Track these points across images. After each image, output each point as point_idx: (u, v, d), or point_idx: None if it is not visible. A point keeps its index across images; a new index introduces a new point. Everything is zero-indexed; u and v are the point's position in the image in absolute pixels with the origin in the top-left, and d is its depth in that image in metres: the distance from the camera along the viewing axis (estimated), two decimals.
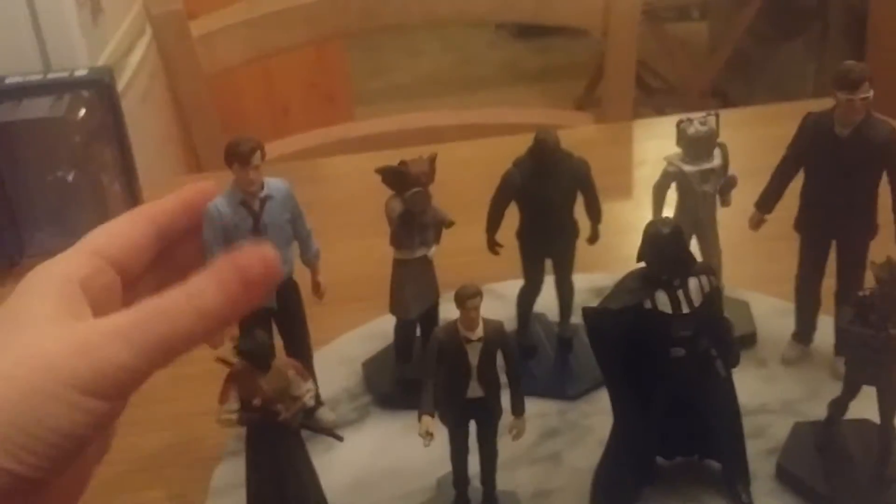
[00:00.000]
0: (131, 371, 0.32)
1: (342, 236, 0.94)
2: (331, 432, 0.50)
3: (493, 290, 0.74)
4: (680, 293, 0.47)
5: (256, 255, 0.32)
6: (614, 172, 1.07)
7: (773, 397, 0.60)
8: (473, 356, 0.48)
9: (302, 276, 0.59)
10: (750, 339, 0.65)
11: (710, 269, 0.49)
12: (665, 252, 0.47)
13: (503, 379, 0.50)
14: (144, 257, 0.41)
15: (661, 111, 2.82)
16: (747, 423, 0.57)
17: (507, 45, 3.60)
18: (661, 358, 0.48)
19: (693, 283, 0.48)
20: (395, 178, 0.58)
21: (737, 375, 0.62)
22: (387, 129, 1.24)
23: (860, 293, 0.49)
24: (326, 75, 2.18)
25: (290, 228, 0.55)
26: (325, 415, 0.60)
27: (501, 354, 0.49)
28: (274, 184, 0.54)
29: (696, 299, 0.47)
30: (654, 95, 2.99)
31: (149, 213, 0.42)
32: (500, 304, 0.70)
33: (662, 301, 0.47)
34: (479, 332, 0.47)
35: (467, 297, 0.46)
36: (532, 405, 0.62)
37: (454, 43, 3.60)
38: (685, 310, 0.47)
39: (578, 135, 1.21)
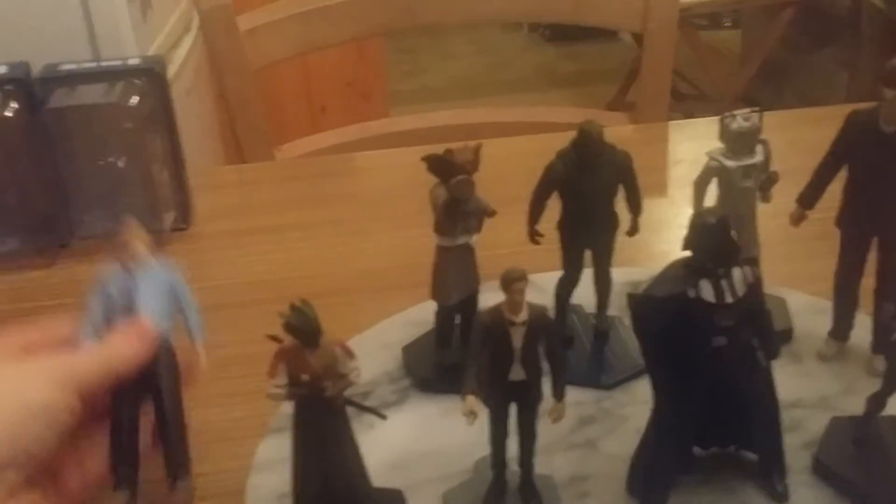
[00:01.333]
0: None
1: (380, 228, 0.96)
2: (374, 410, 0.51)
3: (532, 282, 0.75)
4: (724, 283, 0.48)
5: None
6: (650, 171, 1.07)
7: (809, 392, 0.61)
8: (517, 339, 0.49)
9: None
10: (786, 335, 0.66)
11: (755, 260, 0.50)
12: (711, 241, 0.47)
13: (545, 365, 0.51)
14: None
15: (691, 118, 2.82)
16: (784, 418, 0.58)
17: (539, 49, 3.61)
18: (703, 347, 0.48)
19: (737, 273, 0.48)
20: (441, 166, 0.59)
21: (773, 370, 0.63)
22: (423, 126, 1.26)
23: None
24: (363, 75, 2.20)
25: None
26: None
27: (544, 339, 0.50)
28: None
29: (740, 290, 0.48)
30: (684, 101, 2.98)
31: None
32: (539, 295, 0.70)
33: (706, 290, 0.48)
34: (524, 315, 0.48)
35: (513, 280, 0.47)
36: (569, 393, 0.62)
37: (487, 46, 3.62)
38: (728, 300, 0.48)
39: (614, 134, 1.21)
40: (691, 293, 0.48)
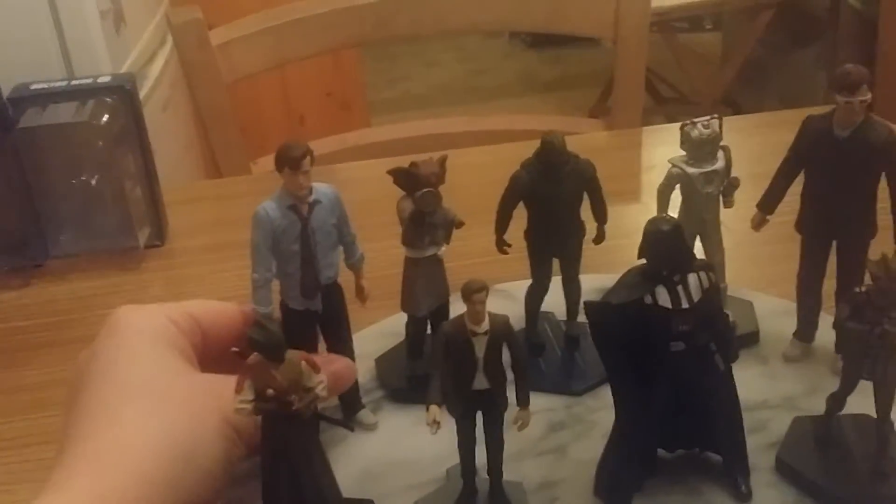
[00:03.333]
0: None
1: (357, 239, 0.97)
2: (342, 422, 0.52)
3: (503, 291, 0.76)
4: (679, 289, 0.49)
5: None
6: (623, 177, 1.09)
7: (774, 393, 0.62)
8: (480, 349, 0.49)
9: (345, 280, 0.61)
10: (753, 338, 0.67)
11: (710, 265, 0.50)
12: (664, 248, 0.48)
13: (510, 375, 0.52)
14: (223, 337, 0.51)
15: (672, 120, 2.84)
16: (748, 419, 0.58)
17: (521, 55, 3.63)
18: (662, 352, 0.49)
19: (692, 278, 0.49)
20: (406, 178, 0.60)
21: (739, 372, 0.64)
22: (401, 136, 1.27)
23: (856, 290, 0.50)
24: (342, 85, 2.21)
25: (336, 233, 0.57)
26: (367, 417, 0.62)
27: (507, 348, 0.50)
28: (322, 189, 0.56)
29: (696, 295, 0.49)
30: (666, 105, 3.01)
31: (240, 311, 0.54)
32: (509, 303, 0.72)
33: (662, 296, 0.49)
34: (485, 325, 0.49)
35: (473, 292, 0.48)
36: (539, 400, 0.64)
37: (468, 53, 3.64)
38: (684, 305, 0.49)
39: (588, 141, 1.23)
40: (648, 299, 0.48)
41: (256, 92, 2.04)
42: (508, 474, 0.55)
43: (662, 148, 1.14)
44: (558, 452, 0.59)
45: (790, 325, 0.67)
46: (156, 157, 0.93)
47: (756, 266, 0.81)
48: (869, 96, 0.55)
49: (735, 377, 0.63)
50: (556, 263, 0.67)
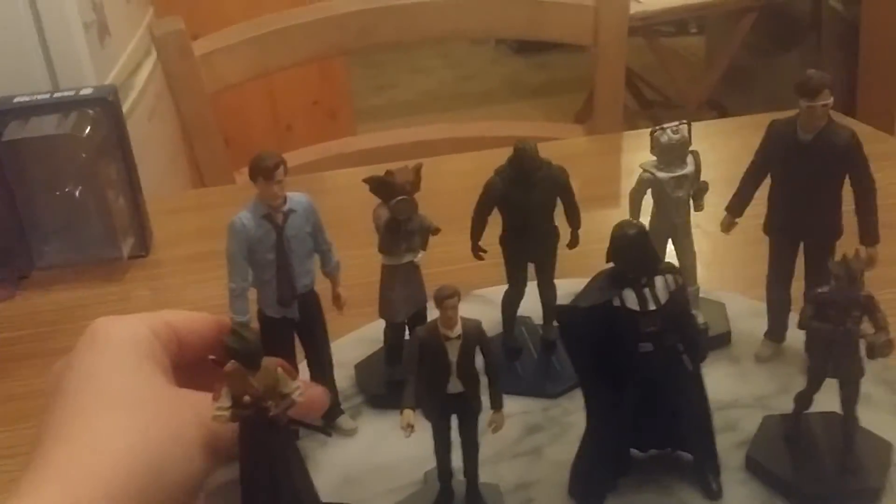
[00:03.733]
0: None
1: (339, 246, 0.98)
2: (320, 428, 0.53)
3: (481, 296, 0.77)
4: (647, 291, 0.50)
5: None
6: (603, 182, 1.10)
7: (745, 393, 0.63)
8: (453, 353, 0.50)
9: (322, 287, 0.62)
10: (725, 339, 0.68)
11: (676, 268, 0.52)
12: (631, 252, 0.49)
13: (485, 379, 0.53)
14: (198, 346, 0.51)
15: (658, 124, 2.86)
16: (720, 418, 0.60)
17: (507, 61, 3.65)
18: (631, 353, 0.50)
19: (659, 281, 0.50)
20: (382, 187, 0.61)
21: (711, 373, 0.65)
22: (384, 144, 1.28)
23: (819, 290, 0.52)
24: (329, 93, 2.22)
25: (312, 241, 0.58)
26: (346, 423, 0.63)
27: (480, 352, 0.51)
28: (296, 198, 0.57)
29: (663, 297, 0.50)
30: (652, 108, 3.03)
31: (214, 319, 0.54)
32: (487, 308, 0.73)
33: (630, 299, 0.50)
34: (458, 330, 0.50)
35: (445, 297, 0.49)
36: (516, 403, 0.65)
37: (456, 59, 3.65)
38: (652, 307, 0.50)
39: (569, 146, 1.24)
40: (616, 302, 0.50)
41: (243, 101, 2.05)
42: (485, 476, 0.56)
43: (642, 153, 1.14)
44: (534, 454, 0.60)
45: (762, 325, 0.68)
46: (142, 167, 0.94)
47: (730, 268, 0.82)
48: (831, 100, 0.56)
49: (707, 377, 0.64)
50: (532, 268, 0.68)
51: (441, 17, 1.19)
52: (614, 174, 1.13)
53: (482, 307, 0.75)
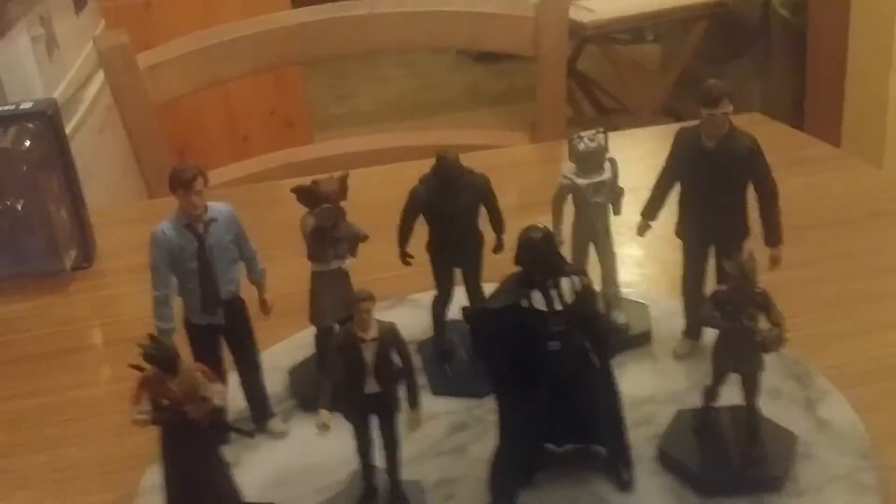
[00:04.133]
0: None
1: (282, 255, 0.99)
2: (240, 429, 0.55)
3: (415, 301, 0.79)
4: (553, 292, 0.52)
5: None
6: (543, 189, 1.12)
7: (661, 389, 0.66)
8: (369, 355, 0.52)
9: (250, 293, 0.64)
10: (645, 337, 0.71)
11: (583, 270, 0.54)
12: (536, 255, 0.52)
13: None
14: None
15: (615, 130, 2.91)
16: (636, 413, 0.62)
17: (468, 70, 3.68)
18: (540, 352, 0.53)
19: (565, 282, 0.53)
20: (308, 196, 0.63)
21: (631, 370, 0.68)
22: (339, 152, 1.30)
23: (717, 289, 0.54)
24: (286, 102, 2.24)
25: (235, 249, 0.60)
26: (277, 426, 0.65)
27: (395, 352, 0.53)
28: (217, 207, 0.59)
29: (569, 297, 0.53)
30: (608, 115, 3.07)
31: None
32: (420, 313, 0.75)
33: (538, 300, 0.52)
34: (374, 332, 0.52)
35: (359, 301, 0.51)
36: (444, 404, 0.67)
37: (417, 69, 3.68)
38: (558, 307, 0.52)
39: (513, 154, 1.27)
40: (524, 303, 0.52)
41: (199, 112, 2.06)
42: (409, 474, 0.58)
43: None
44: (458, 452, 0.62)
45: (681, 324, 0.71)
46: (93, 180, 0.95)
47: (652, 269, 0.85)
48: (730, 108, 0.59)
49: (626, 374, 0.67)
50: (458, 274, 0.70)
51: (384, 29, 1.21)
52: (555, 181, 1.15)
53: (416, 312, 0.77)
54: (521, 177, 1.13)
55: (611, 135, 1.32)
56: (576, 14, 2.64)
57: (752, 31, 3.03)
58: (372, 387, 0.53)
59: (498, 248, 0.69)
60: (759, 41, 3.01)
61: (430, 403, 0.66)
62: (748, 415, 0.57)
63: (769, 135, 1.17)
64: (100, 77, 1.63)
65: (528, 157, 1.25)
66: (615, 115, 3.10)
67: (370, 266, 0.70)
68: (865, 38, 2.41)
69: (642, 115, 2.83)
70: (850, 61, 2.48)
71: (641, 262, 0.87)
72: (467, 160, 0.68)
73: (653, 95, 2.90)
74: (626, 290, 0.74)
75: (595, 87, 3.16)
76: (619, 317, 0.71)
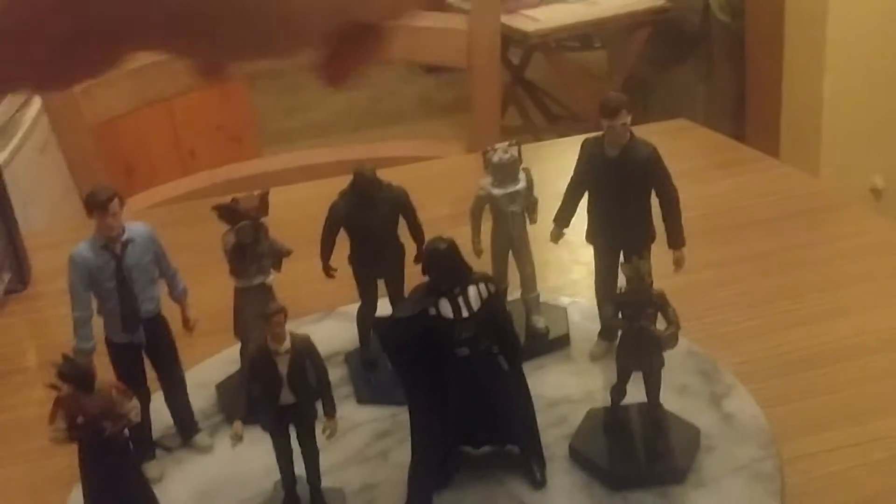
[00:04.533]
0: None
1: (214, 272, 1.00)
2: (161, 444, 0.56)
3: (341, 314, 0.81)
4: (460, 300, 0.54)
5: None
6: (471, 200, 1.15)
7: (576, 389, 0.68)
8: (283, 366, 0.54)
9: (175, 310, 0.65)
10: (564, 340, 0.73)
11: (489, 277, 0.56)
12: (442, 265, 0.54)
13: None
14: None
15: (563, 137, 2.96)
16: (551, 413, 0.65)
17: (418, 80, 3.71)
18: (449, 358, 0.55)
19: (472, 290, 0.55)
20: (228, 213, 0.65)
21: (549, 372, 0.70)
22: (275, 168, 1.31)
23: (617, 291, 0.57)
24: (232, 117, 2.24)
25: (154, 268, 0.61)
26: (203, 440, 0.66)
27: (309, 363, 0.55)
28: (135, 228, 0.60)
29: (475, 304, 0.55)
30: (558, 122, 3.12)
31: None
32: (347, 325, 0.77)
33: (445, 308, 0.54)
34: (287, 344, 0.54)
35: (271, 314, 0.53)
36: (367, 412, 0.69)
37: (367, 80, 3.69)
38: (465, 314, 0.54)
39: (446, 165, 1.29)
40: (432, 311, 0.54)
41: (144, 129, 2.05)
42: (331, 481, 0.60)
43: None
44: (380, 458, 0.64)
45: (598, 326, 0.73)
46: (35, 201, 0.95)
47: (572, 274, 0.88)
48: (628, 119, 0.62)
49: (545, 376, 0.69)
50: (381, 285, 0.72)
51: None
52: None
53: (343, 324, 0.79)
54: (455, 187, 1.15)
55: (547, 143, 1.36)
56: (521, 23, 2.69)
57: (693, 37, 3.10)
58: (287, 398, 0.55)
59: (417, 258, 0.71)
60: (700, 46, 3.09)
61: (355, 412, 0.68)
62: (652, 410, 0.60)
63: (694, 139, 1.22)
64: (38, 102, 1.62)
65: (462, 166, 1.27)
66: (565, 122, 3.15)
67: (299, 280, 0.72)
68: (800, 41, 2.49)
69: (589, 121, 2.88)
70: (786, 64, 2.55)
71: (566, 267, 0.90)
72: (403, 172, 0.70)
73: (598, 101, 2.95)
74: (545, 296, 0.77)
75: (543, 94, 3.20)
76: (539, 321, 0.74)
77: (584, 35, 3.55)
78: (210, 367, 0.75)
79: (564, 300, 0.79)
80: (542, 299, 0.75)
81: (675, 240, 0.65)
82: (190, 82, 1.22)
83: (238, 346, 0.72)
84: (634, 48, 2.95)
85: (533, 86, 3.17)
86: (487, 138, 1.32)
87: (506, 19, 2.46)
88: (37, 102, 1.63)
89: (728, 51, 2.96)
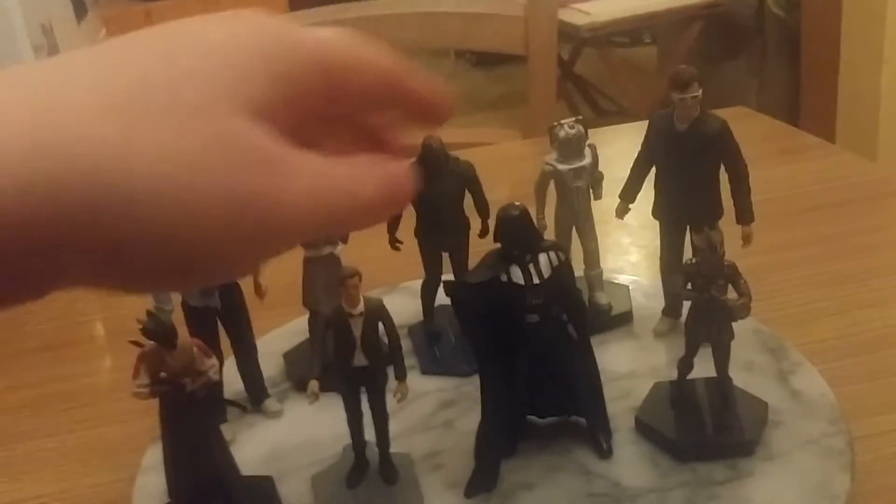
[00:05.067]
0: None
1: None
2: (235, 403, 0.57)
3: (405, 289, 0.82)
4: (531, 267, 0.55)
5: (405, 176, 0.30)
6: (532, 181, 1.16)
7: (642, 364, 0.68)
8: (357, 329, 0.55)
9: (247, 279, 0.66)
10: (627, 317, 0.74)
11: (559, 245, 0.57)
12: (514, 231, 0.54)
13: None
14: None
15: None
16: (617, 387, 0.65)
17: (466, 75, 3.71)
18: (519, 324, 0.55)
19: (543, 258, 0.55)
20: None
21: (613, 347, 0.70)
22: None
23: (686, 262, 0.57)
24: None
25: None
26: (272, 405, 0.68)
27: (383, 327, 0.56)
28: None
29: (546, 272, 0.55)
30: (606, 117, 3.10)
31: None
32: (411, 299, 0.78)
33: (516, 274, 0.55)
34: (361, 307, 0.55)
35: (347, 277, 0.54)
36: (433, 382, 0.70)
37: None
38: (535, 281, 0.55)
39: (506, 149, 1.30)
40: (503, 277, 0.54)
41: None
42: (399, 447, 0.61)
43: None
44: (446, 426, 0.65)
45: (661, 304, 0.73)
46: None
47: (635, 253, 0.88)
48: (700, 92, 0.62)
49: (608, 352, 0.70)
50: (445, 259, 0.73)
51: (377, 31, 1.24)
52: None
53: (407, 298, 0.80)
54: (512, 171, 1.16)
55: (601, 129, 1.35)
56: (571, 17, 2.67)
57: (747, 31, 3.06)
58: (360, 360, 0.56)
59: (483, 232, 0.72)
60: (754, 41, 3.04)
61: (420, 383, 0.69)
62: (720, 383, 0.60)
63: (754, 126, 1.21)
64: None
65: (520, 152, 1.28)
66: (613, 117, 3.13)
67: (365, 255, 0.73)
68: (857, 34, 2.44)
69: (639, 116, 2.86)
70: (843, 57, 2.50)
71: (625, 250, 0.90)
72: (461, 157, 0.71)
73: (649, 97, 2.93)
74: (607, 275, 0.77)
75: (592, 89, 3.19)
76: (602, 298, 0.74)
77: (635, 30, 3.52)
78: (278, 336, 0.77)
79: (626, 279, 0.79)
80: (604, 277, 0.75)
81: (745, 215, 0.65)
82: None
83: (306, 316, 0.73)
84: (686, 43, 2.92)
85: (582, 80, 3.16)
86: (544, 124, 1.32)
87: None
88: None
89: (782, 46, 2.91)
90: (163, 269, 0.26)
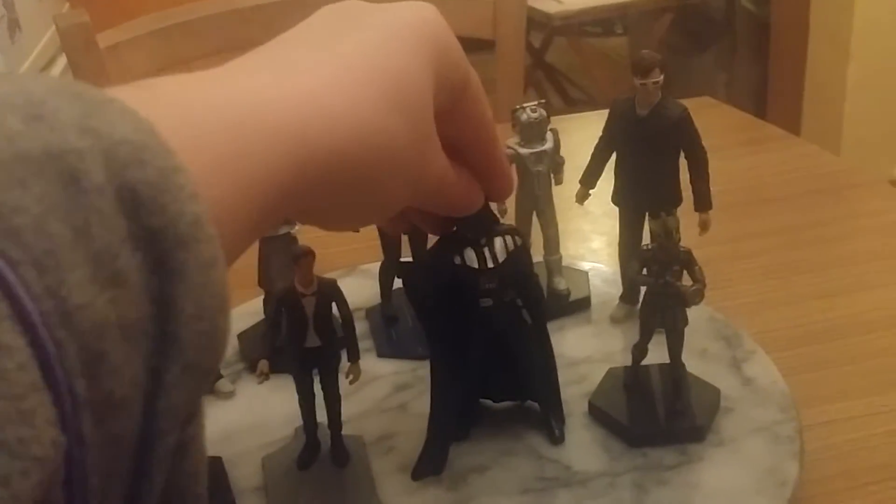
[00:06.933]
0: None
1: None
2: None
3: (364, 271, 0.82)
4: (486, 250, 0.54)
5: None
6: None
7: (596, 350, 0.68)
8: (309, 308, 0.54)
9: None
10: (585, 302, 0.74)
11: (516, 230, 0.56)
12: (470, 214, 0.54)
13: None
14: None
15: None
16: (572, 372, 0.65)
17: None
18: (472, 308, 0.55)
19: (498, 241, 0.55)
20: None
21: (570, 333, 0.70)
22: None
23: (642, 247, 0.57)
24: None
25: None
26: (224, 386, 0.67)
27: (336, 306, 0.56)
28: None
29: (501, 256, 0.55)
30: (576, 106, 3.11)
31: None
32: (370, 281, 0.77)
33: (470, 257, 0.54)
34: (314, 287, 0.54)
35: (300, 256, 0.53)
36: (388, 365, 0.69)
37: None
38: (490, 265, 0.54)
39: None
40: (457, 260, 0.54)
41: None
42: (351, 430, 0.60)
43: None
44: (399, 409, 0.64)
45: (619, 290, 0.73)
46: None
47: (593, 239, 0.88)
48: (661, 78, 0.62)
49: (565, 337, 0.70)
50: (405, 242, 0.73)
51: None
52: None
53: (365, 281, 0.79)
54: None
55: (567, 116, 1.35)
56: (543, 5, 2.67)
57: (717, 24, 3.09)
58: (313, 341, 0.55)
59: None
60: (724, 34, 3.07)
61: (375, 365, 0.69)
62: (673, 369, 0.60)
63: (719, 117, 1.22)
64: (63, 60, 1.63)
65: None
66: (583, 106, 3.14)
67: (322, 238, 0.72)
68: (825, 29, 2.47)
69: (609, 106, 2.87)
70: (811, 52, 2.53)
71: (586, 237, 0.90)
72: None
73: (619, 87, 2.94)
74: (566, 261, 0.77)
75: (563, 78, 3.19)
76: (560, 283, 0.74)
77: (607, 20, 3.53)
78: (233, 317, 0.74)
79: (585, 265, 0.79)
80: (563, 263, 0.75)
81: (702, 202, 0.65)
82: (214, 45, 1.22)
83: (261, 297, 0.73)
84: (656, 34, 2.94)
85: (553, 69, 3.16)
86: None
87: (529, 1, 2.46)
88: (60, 64, 1.64)
89: (751, 39, 2.94)
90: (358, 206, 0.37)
